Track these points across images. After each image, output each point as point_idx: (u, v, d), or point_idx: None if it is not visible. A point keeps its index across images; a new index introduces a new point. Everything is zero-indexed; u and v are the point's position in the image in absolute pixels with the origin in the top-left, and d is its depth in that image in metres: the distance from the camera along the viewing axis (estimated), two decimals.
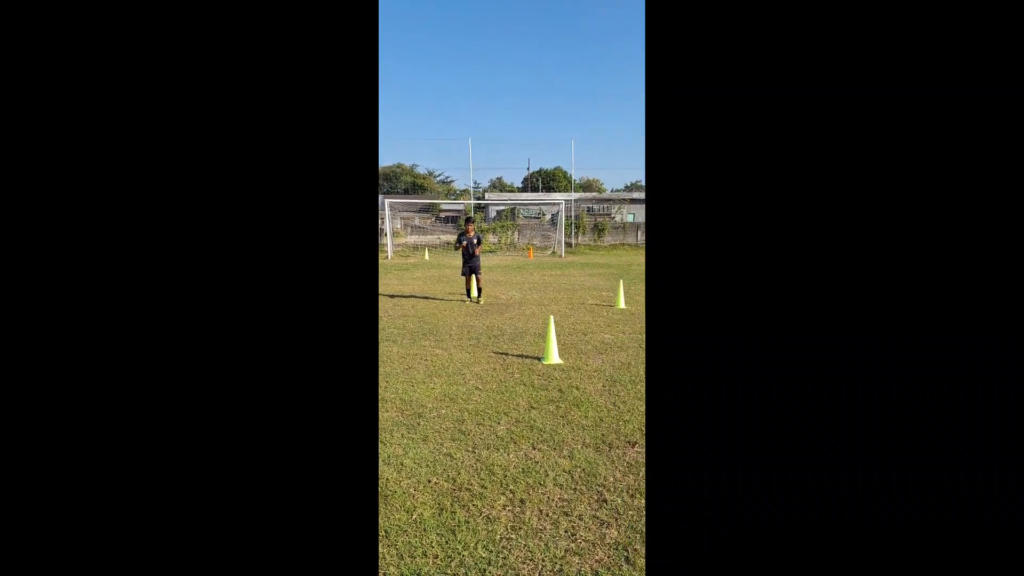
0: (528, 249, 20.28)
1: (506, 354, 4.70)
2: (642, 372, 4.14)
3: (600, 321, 6.24)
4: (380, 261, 16.12)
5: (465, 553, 1.89)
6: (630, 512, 2.15)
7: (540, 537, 1.99)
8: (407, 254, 19.15)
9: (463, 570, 1.81)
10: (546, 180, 48.25)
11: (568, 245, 21.94)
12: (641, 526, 2.06)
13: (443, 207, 32.24)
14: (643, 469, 2.52)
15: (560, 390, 3.70)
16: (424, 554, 1.88)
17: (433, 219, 30.42)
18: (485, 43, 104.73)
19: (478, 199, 30.85)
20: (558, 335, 5.26)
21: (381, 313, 6.85)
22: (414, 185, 48.60)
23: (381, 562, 1.84)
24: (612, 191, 40.68)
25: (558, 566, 1.83)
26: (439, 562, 1.84)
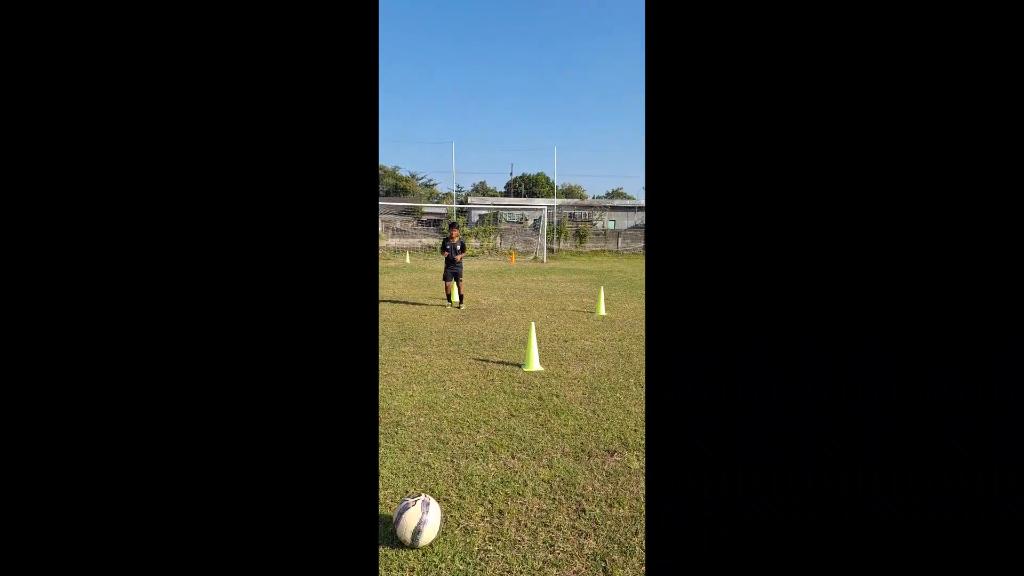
0: (510, 254, 20.30)
1: (487, 361, 4.68)
2: (621, 380, 4.16)
3: (581, 328, 6.27)
4: None
5: (442, 566, 1.86)
6: (608, 522, 2.16)
7: (518, 548, 1.97)
8: (388, 257, 18.98)
9: None
10: (529, 185, 48.44)
11: (550, 251, 22.04)
12: (619, 536, 2.06)
13: (425, 210, 32.06)
14: (621, 478, 2.53)
15: (540, 398, 3.70)
16: (401, 567, 1.85)
17: (415, 222, 30.22)
18: (470, 45, 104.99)
19: (461, 203, 30.79)
20: (539, 341, 5.26)
21: None
22: (396, 187, 48.23)
23: None
24: (594, 198, 41.05)
25: None
26: (416, 575, 1.82)
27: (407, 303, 8.14)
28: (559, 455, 2.78)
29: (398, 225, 28.77)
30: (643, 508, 2.24)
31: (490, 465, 2.65)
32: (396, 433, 3.04)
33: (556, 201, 27.68)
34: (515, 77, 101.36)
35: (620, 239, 25.48)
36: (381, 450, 2.81)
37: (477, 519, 2.16)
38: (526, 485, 2.45)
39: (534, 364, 4.45)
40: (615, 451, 2.84)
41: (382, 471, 2.56)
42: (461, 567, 1.86)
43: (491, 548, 1.97)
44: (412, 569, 1.84)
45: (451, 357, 4.79)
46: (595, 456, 2.78)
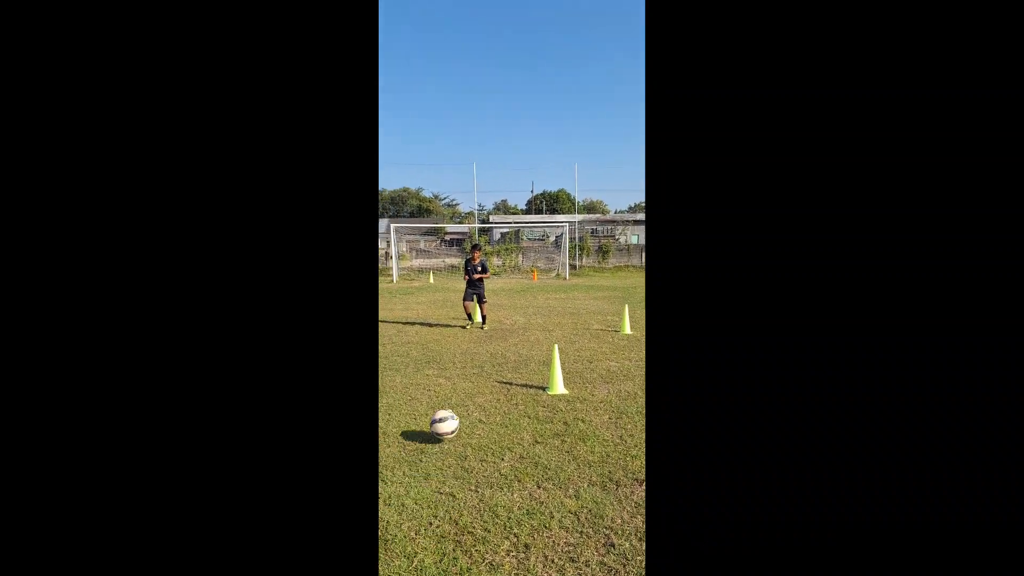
0: (532, 271, 20.30)
1: (510, 383, 4.64)
2: None
3: (605, 348, 6.17)
4: (385, 286, 16.16)
5: None
6: (639, 557, 2.07)
7: None
8: (412, 277, 19.20)
9: None
10: (550, 202, 48.64)
11: (572, 267, 21.96)
12: None
13: (448, 230, 32.49)
14: None
15: (565, 423, 3.63)
16: None
17: (438, 242, 30.62)
18: (490, 69, 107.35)
19: (483, 221, 31.08)
20: (563, 362, 5.20)
21: (385, 340, 6.82)
22: (420, 208, 49.10)
23: None
24: (616, 212, 40.92)
25: None
26: None
27: (431, 324, 8.18)
28: (586, 484, 2.71)
29: (422, 245, 29.18)
30: None
31: (515, 495, 2.60)
32: (421, 460, 3.01)
33: (578, 217, 27.68)
34: (536, 96, 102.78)
35: (644, 254, 25.20)
36: (405, 479, 2.78)
37: (503, 554, 2.11)
38: (552, 517, 2.38)
39: (558, 387, 4.38)
40: (644, 480, 2.75)
41: (406, 501, 2.53)
42: None
43: None
44: None
45: (474, 380, 4.76)
46: (623, 485, 2.69)
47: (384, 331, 7.54)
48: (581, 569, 2.01)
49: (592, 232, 27.51)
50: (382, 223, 33.78)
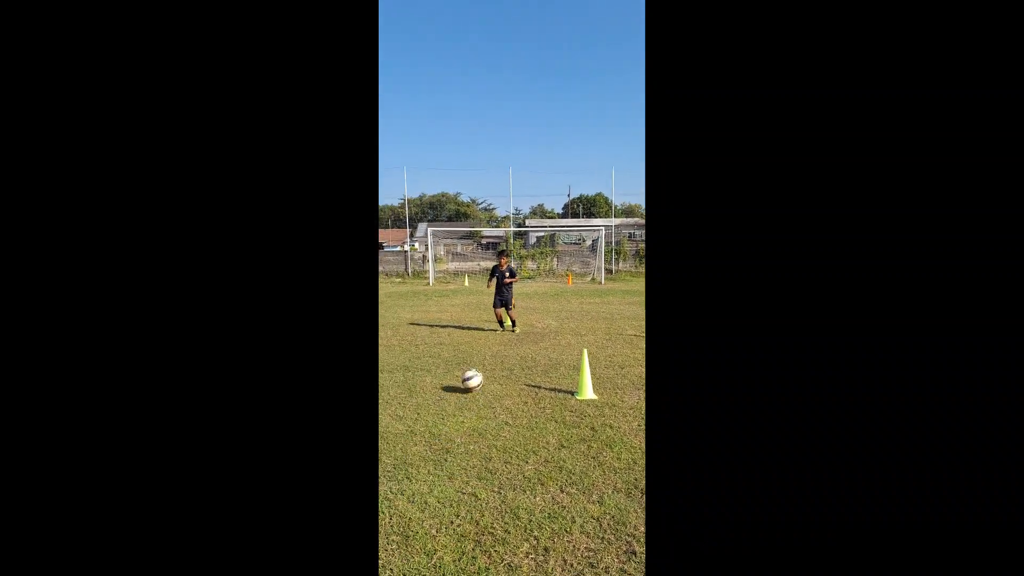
0: (567, 275, 20.18)
1: (539, 387, 4.63)
2: None
3: (638, 354, 6.07)
4: (421, 288, 16.45)
5: None
6: None
7: None
8: (448, 280, 19.46)
9: None
10: (587, 206, 48.28)
11: (608, 272, 21.69)
12: None
13: (484, 234, 32.79)
14: None
15: (592, 428, 3.59)
16: None
17: (475, 246, 30.94)
18: (530, 81, 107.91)
19: (519, 226, 31.17)
20: (593, 367, 5.14)
21: (418, 341, 6.94)
22: (457, 212, 49.79)
23: None
24: None
25: None
26: None
27: (463, 328, 8.27)
28: (610, 491, 2.67)
29: (459, 249, 29.55)
30: None
31: (538, 498, 2.59)
32: (446, 460, 3.05)
33: (615, 221, 27.33)
34: (573, 105, 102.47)
35: None
36: (430, 477, 2.82)
37: (521, 555, 2.10)
38: (574, 522, 2.36)
39: (587, 392, 4.34)
40: None
41: (429, 499, 2.57)
42: None
43: None
44: None
45: (503, 383, 4.78)
46: None
47: (417, 332, 7.68)
48: (600, 575, 1.98)
49: (630, 236, 27.10)
50: (420, 227, 34.38)
